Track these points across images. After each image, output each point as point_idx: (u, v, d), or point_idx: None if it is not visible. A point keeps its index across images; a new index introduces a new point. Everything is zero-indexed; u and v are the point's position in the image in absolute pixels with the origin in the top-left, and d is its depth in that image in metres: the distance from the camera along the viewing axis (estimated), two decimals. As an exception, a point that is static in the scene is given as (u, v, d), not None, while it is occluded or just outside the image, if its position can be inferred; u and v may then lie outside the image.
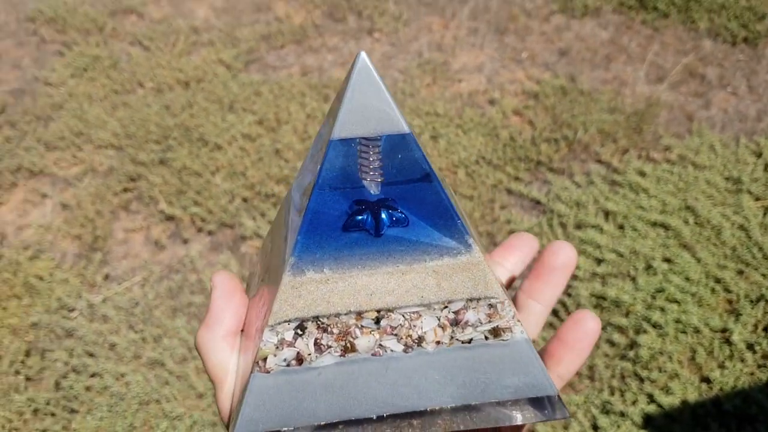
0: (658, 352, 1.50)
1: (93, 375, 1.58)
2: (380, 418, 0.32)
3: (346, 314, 0.32)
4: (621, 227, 1.81)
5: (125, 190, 2.03)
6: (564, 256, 0.37)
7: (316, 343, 0.32)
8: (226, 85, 2.38)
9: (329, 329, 0.32)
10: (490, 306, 0.33)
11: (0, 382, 1.57)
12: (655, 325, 1.55)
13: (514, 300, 0.39)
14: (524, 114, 2.24)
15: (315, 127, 2.19)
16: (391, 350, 0.33)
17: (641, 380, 1.47)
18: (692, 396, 1.43)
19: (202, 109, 2.26)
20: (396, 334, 0.33)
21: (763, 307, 1.56)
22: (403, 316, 0.33)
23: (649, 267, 1.68)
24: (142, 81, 2.43)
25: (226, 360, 0.36)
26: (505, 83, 2.40)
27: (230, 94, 2.32)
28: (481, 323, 0.33)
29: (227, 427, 0.34)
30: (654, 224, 1.79)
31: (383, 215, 0.32)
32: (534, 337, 0.38)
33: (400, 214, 0.33)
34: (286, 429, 0.32)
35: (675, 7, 2.73)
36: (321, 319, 0.32)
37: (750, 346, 1.50)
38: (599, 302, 1.63)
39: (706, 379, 1.47)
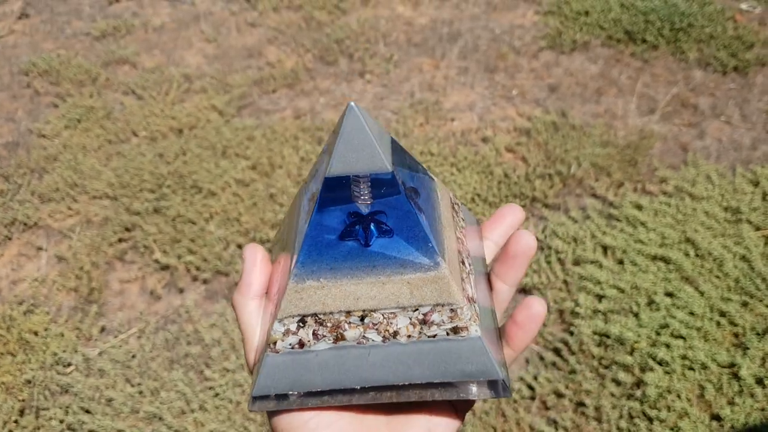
0: (665, 390, 1.47)
1: (89, 433, 1.54)
2: (363, 389, 0.42)
3: (337, 313, 0.41)
4: (620, 262, 1.79)
5: (120, 240, 2.01)
6: (524, 244, 0.44)
7: (314, 333, 0.41)
8: (219, 131, 2.38)
9: (324, 323, 0.41)
10: (452, 310, 0.41)
11: (-7, 443, 1.53)
12: (661, 362, 1.52)
13: (488, 279, 0.47)
14: (517, 151, 2.24)
15: (309, 169, 2.19)
16: (372, 340, 0.41)
17: (650, 420, 1.44)
18: (702, 434, 1.40)
19: (195, 155, 2.26)
20: (376, 329, 0.41)
21: (769, 340, 1.54)
22: (383, 315, 0.41)
23: (651, 302, 1.66)
24: (136, 130, 2.43)
25: (254, 320, 0.45)
26: (496, 120, 2.41)
27: (223, 140, 2.32)
28: (444, 323, 0.41)
29: (250, 372, 0.44)
30: (654, 258, 1.78)
31: (372, 227, 0.40)
32: (501, 311, 0.47)
33: (386, 227, 0.40)
34: (290, 392, 0.41)
35: (663, 38, 2.76)
36: (318, 316, 0.41)
37: (759, 381, 1.47)
38: (602, 340, 1.60)
39: (716, 417, 1.43)
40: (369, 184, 0.40)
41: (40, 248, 2.01)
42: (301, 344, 0.41)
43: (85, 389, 1.61)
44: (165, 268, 1.93)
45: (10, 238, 2.05)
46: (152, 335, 1.75)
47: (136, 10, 3.24)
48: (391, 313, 0.41)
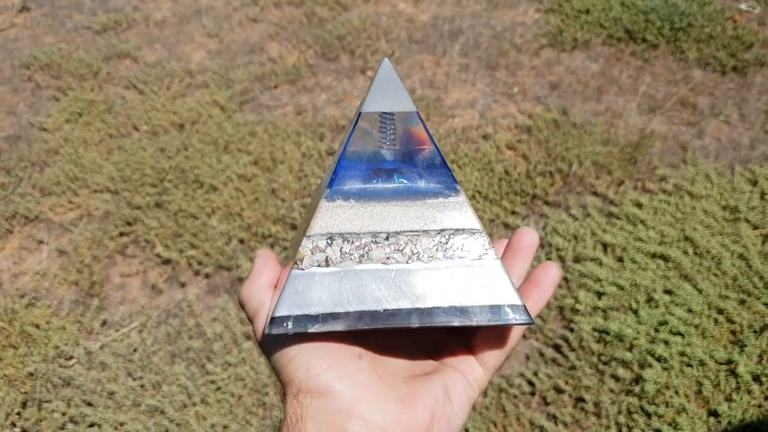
0: (663, 386, 1.48)
1: (91, 425, 1.55)
2: (388, 312, 0.42)
3: (365, 233, 0.43)
4: (620, 259, 1.80)
5: (122, 234, 2.02)
6: (528, 238, 0.47)
7: (341, 251, 0.42)
8: (221, 126, 2.39)
9: (351, 242, 0.43)
10: (472, 235, 0.44)
11: (-4, 435, 1.54)
12: (659, 359, 1.53)
13: None
14: (518, 148, 2.25)
15: (311, 165, 2.19)
16: (397, 260, 0.43)
17: (648, 415, 1.46)
18: (700, 431, 1.41)
19: (197, 150, 2.27)
20: (401, 250, 0.43)
21: (767, 337, 1.55)
22: (407, 237, 0.43)
23: (650, 299, 1.67)
24: (137, 124, 2.44)
25: (263, 299, 0.45)
26: (497, 118, 2.42)
27: (225, 135, 2.33)
28: (465, 247, 0.43)
29: (259, 344, 0.45)
30: (653, 256, 1.79)
31: (395, 176, 0.44)
32: None
33: (407, 178, 0.44)
34: (315, 312, 0.41)
35: (663, 38, 2.77)
36: (346, 235, 0.43)
37: (756, 378, 1.49)
38: (602, 337, 1.62)
39: (713, 413, 1.45)
40: (394, 123, 0.44)
41: (41, 242, 2.02)
42: (328, 262, 0.42)
43: (87, 382, 1.62)
44: (167, 262, 1.93)
45: (11, 232, 2.05)
46: (154, 329, 1.76)
47: (137, 4, 3.24)
48: (416, 235, 0.43)
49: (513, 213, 2.01)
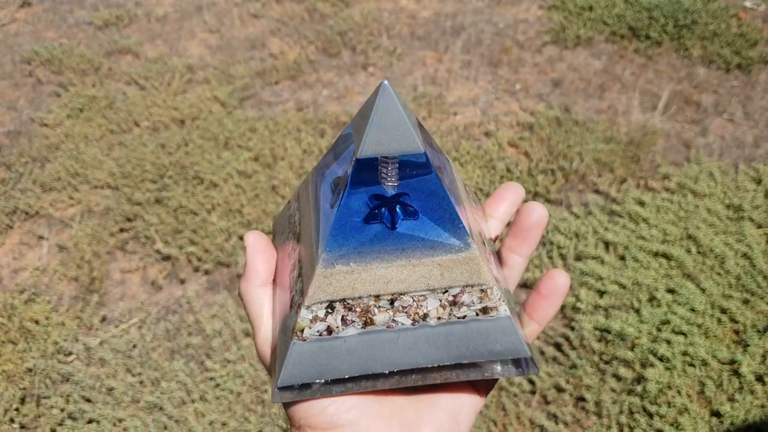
0: (666, 386, 1.47)
1: (90, 421, 1.54)
2: (391, 373, 0.41)
3: (366, 297, 0.40)
4: (622, 258, 1.79)
5: (122, 230, 2.01)
6: (536, 215, 0.44)
7: (342, 319, 0.40)
8: (222, 122, 2.38)
9: (353, 308, 0.40)
10: (482, 291, 0.41)
11: (-6, 431, 1.54)
12: (661, 358, 1.52)
13: (498, 253, 0.47)
14: (520, 145, 2.24)
15: (312, 162, 2.18)
16: (402, 324, 0.40)
17: (650, 416, 1.45)
18: (703, 431, 1.40)
19: (197, 146, 2.26)
20: (406, 312, 0.40)
21: (769, 337, 1.54)
22: (412, 298, 0.40)
23: (652, 298, 1.66)
24: (138, 120, 2.43)
25: (262, 308, 0.44)
26: (499, 115, 2.41)
27: (225, 131, 2.32)
28: (474, 304, 0.41)
29: (266, 368, 0.44)
30: (656, 254, 1.78)
31: (398, 209, 0.40)
32: (515, 283, 0.47)
33: (411, 209, 0.40)
34: (318, 380, 0.40)
35: (667, 35, 2.75)
36: (347, 301, 0.40)
37: (759, 378, 1.47)
38: (603, 335, 1.61)
39: (716, 413, 1.44)
40: (397, 165, 0.39)
41: (41, 237, 2.01)
42: (329, 331, 0.40)
43: (86, 378, 1.62)
44: (166, 258, 1.93)
45: (11, 227, 2.05)
46: (153, 325, 1.75)
47: (138, 0, 3.23)
48: (421, 295, 0.40)
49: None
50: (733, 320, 1.60)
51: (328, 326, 0.40)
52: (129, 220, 2.04)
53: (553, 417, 1.49)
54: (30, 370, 1.65)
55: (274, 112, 2.46)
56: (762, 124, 2.31)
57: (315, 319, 0.40)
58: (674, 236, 1.82)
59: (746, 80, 2.52)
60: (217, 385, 1.59)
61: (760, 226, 1.84)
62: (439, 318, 0.41)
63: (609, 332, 1.60)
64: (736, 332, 1.58)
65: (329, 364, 0.40)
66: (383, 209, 0.40)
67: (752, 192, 1.96)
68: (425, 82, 2.58)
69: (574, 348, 1.60)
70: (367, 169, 0.39)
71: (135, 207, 2.06)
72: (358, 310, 0.40)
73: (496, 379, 0.45)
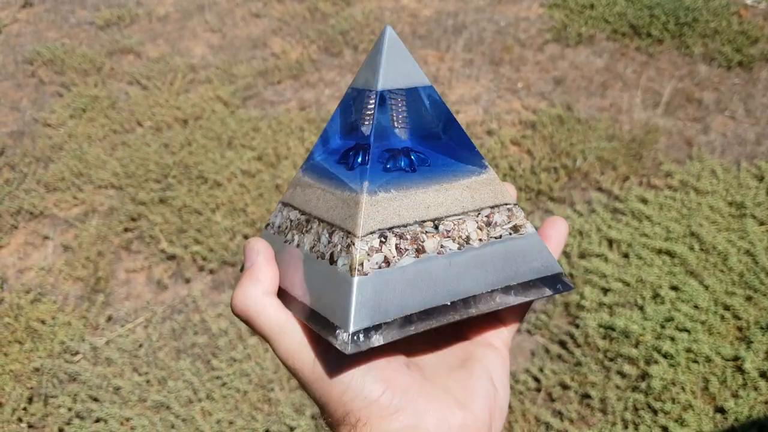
0: (670, 383, 1.48)
1: (97, 420, 1.55)
2: (453, 305, 0.40)
3: (413, 224, 0.41)
4: (626, 255, 1.80)
5: (126, 230, 2.02)
6: (557, 229, 0.47)
7: (396, 248, 0.40)
8: (225, 121, 2.38)
9: (404, 236, 0.40)
10: (508, 210, 0.43)
11: (2, 430, 1.54)
12: (666, 355, 1.53)
13: None
14: (522, 144, 2.24)
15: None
16: (450, 249, 0.41)
17: (654, 412, 1.45)
18: (707, 427, 1.41)
19: (200, 146, 2.26)
20: (450, 236, 0.42)
21: (773, 334, 1.55)
22: (452, 222, 0.42)
23: (656, 295, 1.67)
24: (141, 120, 2.43)
25: (281, 315, 0.41)
26: (502, 113, 2.41)
27: (229, 131, 2.33)
28: (505, 222, 0.43)
29: (296, 372, 0.41)
30: (659, 252, 1.79)
31: (412, 156, 0.42)
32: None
33: (423, 156, 0.43)
34: (392, 317, 0.39)
35: (668, 33, 2.76)
36: (395, 229, 0.40)
37: (763, 374, 1.48)
38: (608, 333, 1.61)
39: (720, 410, 1.45)
40: (405, 101, 0.42)
41: (46, 237, 2.02)
42: (387, 261, 0.40)
43: (93, 378, 1.62)
44: (171, 257, 1.93)
45: (16, 227, 2.05)
46: (159, 325, 1.76)
47: (139, 0, 3.23)
48: (459, 218, 0.42)
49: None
50: (737, 317, 1.61)
51: (385, 256, 0.40)
52: (133, 219, 2.04)
53: (559, 414, 1.50)
54: (37, 369, 1.65)
55: (277, 112, 2.47)
56: (763, 122, 2.31)
57: (372, 250, 0.40)
58: (677, 234, 1.82)
59: (747, 78, 2.53)
60: (224, 384, 1.60)
61: (762, 223, 1.85)
62: (480, 240, 0.42)
63: (613, 329, 1.61)
64: (740, 329, 1.59)
65: (394, 299, 0.39)
66: (400, 158, 0.42)
67: (754, 189, 1.96)
68: (427, 81, 2.59)
69: (578, 345, 1.61)
70: (385, 108, 0.42)
71: (139, 207, 2.06)
72: (408, 237, 0.41)
73: (516, 328, 0.47)
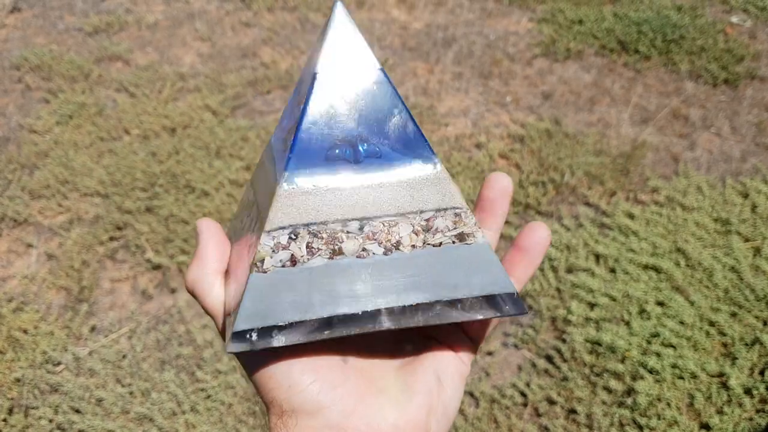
0: (656, 399, 1.48)
1: (78, 432, 1.53)
2: (366, 314, 0.37)
3: (333, 222, 0.37)
4: (612, 270, 1.80)
5: (111, 239, 2.00)
6: (500, 185, 0.41)
7: (308, 247, 0.36)
8: (213, 131, 2.37)
9: (319, 235, 0.36)
10: (456, 214, 0.38)
11: (-19, 441, 1.52)
12: (651, 371, 1.54)
13: None
14: (511, 157, 2.25)
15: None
16: (373, 253, 0.37)
17: (640, 428, 1.45)
18: (692, 443, 1.41)
19: (188, 155, 2.25)
20: (377, 239, 0.37)
21: (758, 350, 1.56)
22: (383, 223, 0.37)
23: (642, 311, 1.67)
24: (128, 128, 2.42)
25: (221, 294, 0.40)
26: (490, 127, 2.42)
27: (217, 140, 2.32)
28: (449, 229, 0.38)
29: (232, 354, 0.38)
30: (645, 267, 1.80)
31: (360, 147, 0.37)
32: None
33: (374, 147, 0.37)
34: (284, 322, 0.36)
35: (656, 49, 2.79)
36: (311, 227, 0.36)
37: (747, 391, 1.49)
38: (594, 348, 1.62)
39: (705, 426, 1.45)
40: (351, 84, 0.37)
41: (30, 245, 1.99)
42: (293, 261, 0.36)
43: (75, 389, 1.60)
44: (157, 267, 1.92)
45: (-1, 235, 2.03)
46: (143, 335, 1.74)
47: (129, 7, 3.22)
48: (392, 220, 0.37)
49: (505, 222, 2.01)
50: (722, 333, 1.61)
51: (292, 255, 0.36)
52: (119, 228, 2.02)
53: (545, 429, 1.50)
54: (18, 380, 1.63)
55: (266, 122, 2.46)
56: (748, 139, 2.34)
57: (277, 246, 0.36)
58: (663, 249, 1.83)
59: (733, 95, 2.56)
60: (208, 396, 1.59)
61: (747, 240, 1.86)
62: (413, 246, 0.38)
63: (600, 345, 1.61)
64: (725, 345, 1.60)
65: (293, 301, 0.36)
66: (344, 146, 0.37)
67: (739, 206, 1.98)
68: (416, 93, 2.60)
69: (565, 360, 1.61)
70: (324, 90, 0.37)
71: (125, 215, 2.05)
72: (324, 236, 0.37)
73: (477, 343, 0.43)
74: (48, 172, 2.22)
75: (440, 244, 0.38)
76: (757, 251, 1.83)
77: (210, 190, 2.11)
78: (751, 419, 1.45)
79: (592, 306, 1.72)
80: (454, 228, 0.38)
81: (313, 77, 0.37)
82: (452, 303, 0.38)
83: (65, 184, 2.18)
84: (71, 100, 2.54)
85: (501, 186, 0.41)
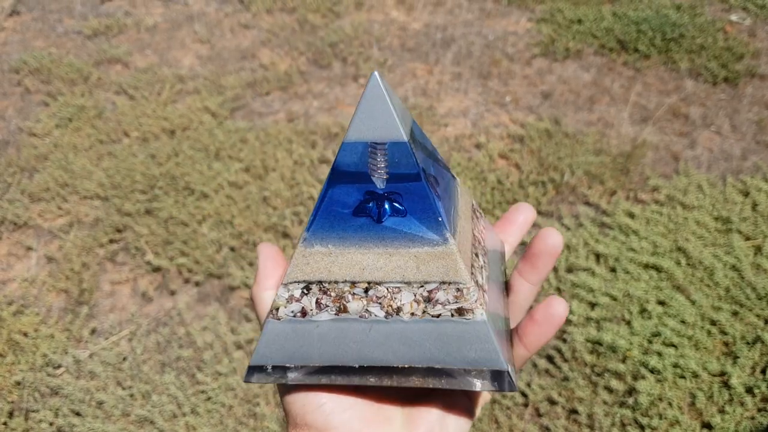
0: (657, 398, 1.48)
1: (79, 435, 1.53)
2: (362, 368, 0.41)
3: (342, 282, 0.40)
4: (613, 270, 1.80)
5: (111, 241, 2.00)
6: (550, 243, 0.43)
7: (317, 302, 0.40)
8: (212, 132, 2.37)
9: (328, 292, 0.40)
10: (458, 290, 0.40)
11: (-18, 445, 1.52)
12: (653, 370, 1.53)
13: (511, 278, 0.46)
14: (510, 157, 2.25)
15: (302, 173, 2.18)
16: (375, 315, 0.40)
17: (642, 428, 1.45)
18: (694, 442, 1.41)
19: (188, 157, 2.25)
20: (380, 303, 0.40)
21: (759, 349, 1.55)
22: (387, 289, 0.40)
23: (643, 310, 1.67)
24: (128, 130, 2.42)
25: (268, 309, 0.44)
26: (490, 127, 2.42)
27: (216, 142, 2.32)
28: (449, 303, 0.40)
29: None
30: (646, 266, 1.79)
31: (386, 205, 0.40)
32: (521, 309, 0.46)
33: (400, 207, 0.40)
34: (288, 365, 0.41)
35: (655, 48, 2.78)
36: (323, 284, 0.40)
37: (749, 390, 1.48)
38: (595, 348, 1.61)
39: (707, 425, 1.45)
40: (386, 154, 0.39)
41: (29, 248, 1.99)
42: (304, 313, 0.41)
43: (76, 391, 1.60)
44: (157, 269, 1.91)
45: (-1, 238, 2.03)
46: (144, 338, 1.74)
47: (128, 9, 3.22)
48: (396, 287, 0.40)
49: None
50: (723, 332, 1.61)
51: (303, 308, 0.41)
52: (119, 231, 2.02)
53: (546, 429, 1.49)
54: (18, 383, 1.63)
55: (265, 123, 2.46)
56: (749, 137, 2.33)
57: (291, 298, 0.41)
58: (664, 248, 1.83)
59: (733, 93, 2.55)
60: (209, 399, 1.58)
61: (748, 238, 1.86)
62: (412, 314, 0.40)
63: (601, 344, 1.61)
64: (726, 344, 1.59)
65: (300, 349, 0.41)
66: (371, 203, 0.40)
67: (740, 204, 1.98)
68: (416, 94, 2.59)
69: (566, 360, 1.61)
70: (355, 159, 0.39)
71: (125, 218, 2.04)
72: (332, 294, 0.41)
73: (481, 395, 0.45)
74: (47, 175, 2.22)
75: (439, 315, 0.40)
76: (758, 250, 1.83)
77: (209, 191, 2.11)
78: (752, 418, 1.44)
79: (592, 305, 1.71)
80: (455, 302, 0.40)
81: (342, 144, 0.40)
82: (441, 372, 0.41)
83: (65, 186, 2.17)
84: (70, 103, 2.54)
85: (552, 243, 0.43)
